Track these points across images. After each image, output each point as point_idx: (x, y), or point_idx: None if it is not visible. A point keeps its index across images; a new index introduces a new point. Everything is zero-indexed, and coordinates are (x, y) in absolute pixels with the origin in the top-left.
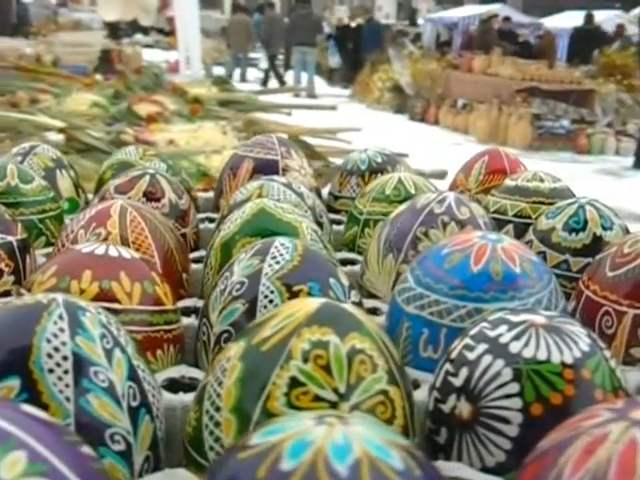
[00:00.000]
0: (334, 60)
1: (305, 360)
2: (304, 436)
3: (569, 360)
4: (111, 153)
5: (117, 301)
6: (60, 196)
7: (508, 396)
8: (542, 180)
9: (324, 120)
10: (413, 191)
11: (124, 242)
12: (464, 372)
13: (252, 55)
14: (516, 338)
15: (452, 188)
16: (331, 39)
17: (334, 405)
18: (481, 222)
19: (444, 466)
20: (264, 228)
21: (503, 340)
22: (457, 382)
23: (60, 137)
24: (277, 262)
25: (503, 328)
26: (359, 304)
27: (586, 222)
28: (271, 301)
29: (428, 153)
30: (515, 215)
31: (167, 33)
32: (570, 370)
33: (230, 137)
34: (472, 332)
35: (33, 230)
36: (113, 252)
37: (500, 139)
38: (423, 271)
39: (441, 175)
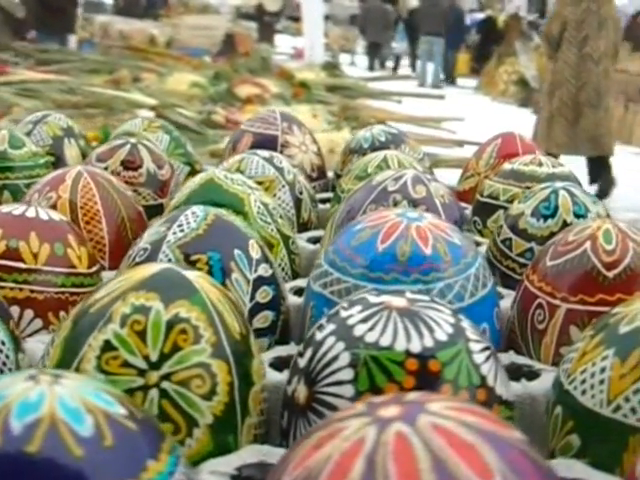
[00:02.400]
0: (401, 47)
1: (122, 324)
2: (3, 391)
3: (416, 349)
4: (201, 132)
5: (22, 260)
6: (65, 163)
7: (341, 382)
8: (540, 164)
9: (445, 111)
10: None
11: (72, 207)
12: (309, 353)
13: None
14: (364, 320)
15: (464, 171)
16: (399, 23)
17: (143, 373)
18: (437, 202)
19: (257, 449)
20: (209, 198)
21: (351, 322)
22: (302, 363)
23: (151, 114)
24: (181, 230)
25: (357, 309)
26: (269, 278)
27: (557, 208)
28: None
29: None
30: (507, 200)
31: (296, 19)
32: (414, 360)
33: (319, 121)
34: (332, 311)
35: (18, 194)
36: (31, 213)
37: (625, 137)
38: (334, 247)
39: None
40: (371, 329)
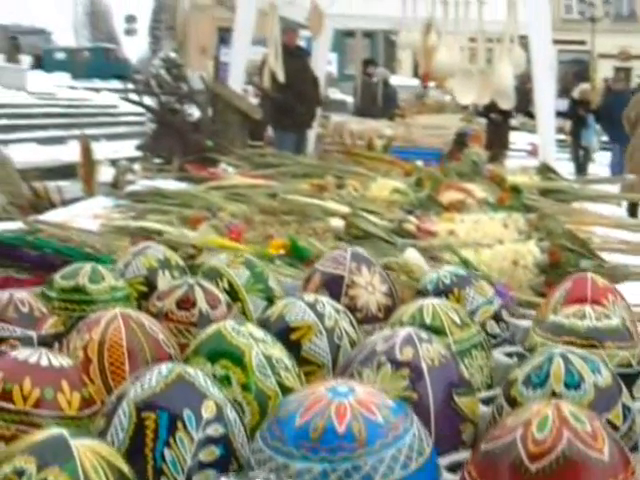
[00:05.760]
0: (592, 142)
1: None
2: None
3: None
4: (392, 242)
5: (12, 402)
6: None
7: None
8: (583, 317)
9: None
10: (428, 321)
11: (100, 348)
12: None
13: None
14: None
15: (536, 316)
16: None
17: None
18: (424, 365)
19: None
20: (213, 348)
21: None
22: None
23: (341, 223)
24: (142, 387)
25: None
26: (219, 438)
27: (547, 376)
28: (121, 423)
29: None
30: None
31: (533, 116)
32: None
33: (510, 231)
34: None
35: None
36: (33, 358)
37: None
38: (273, 416)
39: None
40: None
